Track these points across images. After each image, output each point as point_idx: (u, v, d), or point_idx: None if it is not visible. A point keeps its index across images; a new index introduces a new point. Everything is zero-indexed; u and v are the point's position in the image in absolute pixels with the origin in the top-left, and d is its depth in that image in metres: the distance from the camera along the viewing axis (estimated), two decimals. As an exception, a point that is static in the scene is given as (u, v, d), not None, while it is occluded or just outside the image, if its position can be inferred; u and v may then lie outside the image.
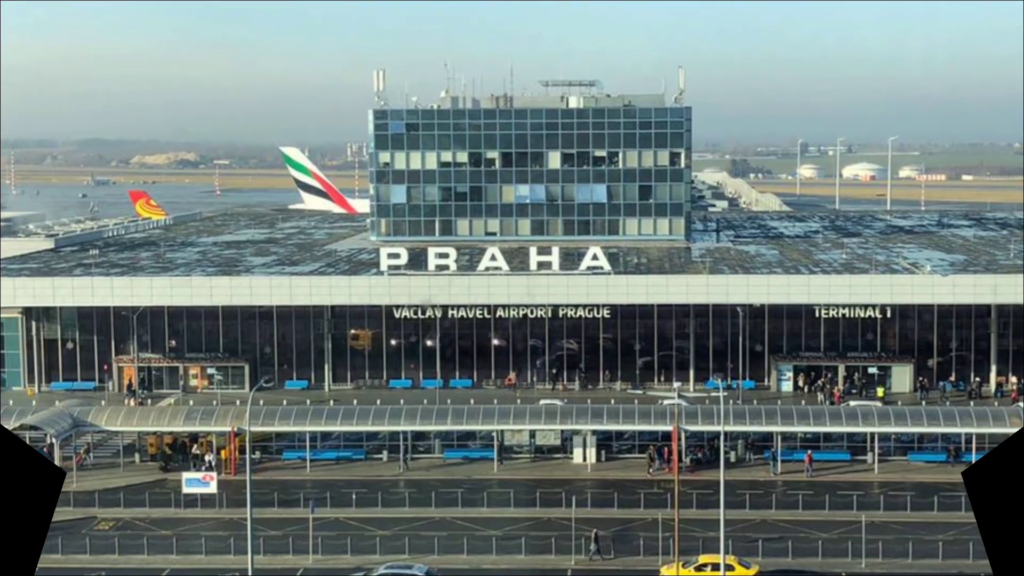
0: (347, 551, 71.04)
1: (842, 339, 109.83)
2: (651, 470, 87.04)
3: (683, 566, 66.99)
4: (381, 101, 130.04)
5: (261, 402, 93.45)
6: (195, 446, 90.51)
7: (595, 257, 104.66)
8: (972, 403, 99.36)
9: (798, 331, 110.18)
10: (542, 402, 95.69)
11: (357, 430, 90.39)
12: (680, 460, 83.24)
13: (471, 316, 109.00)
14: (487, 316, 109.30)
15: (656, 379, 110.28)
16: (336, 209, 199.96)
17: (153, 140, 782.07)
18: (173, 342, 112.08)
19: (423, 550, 71.18)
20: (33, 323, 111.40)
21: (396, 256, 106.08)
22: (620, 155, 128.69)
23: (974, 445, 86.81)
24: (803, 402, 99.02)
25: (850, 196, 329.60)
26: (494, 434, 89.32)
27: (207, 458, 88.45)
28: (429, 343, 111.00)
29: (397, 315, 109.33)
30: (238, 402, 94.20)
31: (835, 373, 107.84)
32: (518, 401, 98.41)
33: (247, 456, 72.12)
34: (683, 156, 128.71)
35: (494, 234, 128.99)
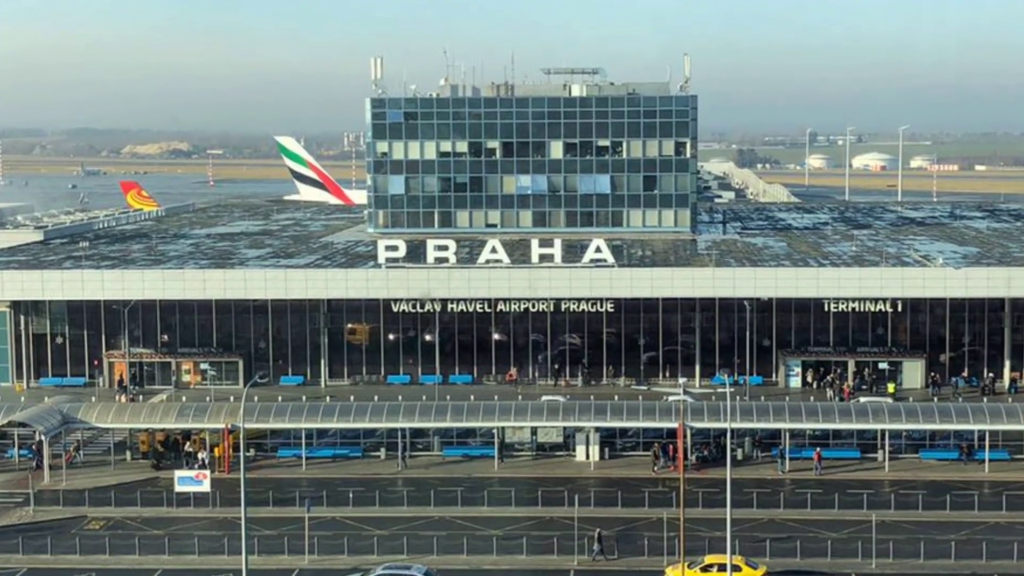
0: (344, 551, 70.11)
1: (852, 334, 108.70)
2: (656, 468, 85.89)
3: (688, 566, 65.84)
4: (379, 89, 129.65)
5: (255, 398, 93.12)
6: (188, 443, 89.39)
7: (598, 249, 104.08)
8: (985, 399, 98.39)
9: (807, 325, 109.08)
10: (544, 398, 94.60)
11: (354, 427, 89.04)
12: (685, 458, 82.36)
13: (471, 310, 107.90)
14: (487, 310, 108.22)
15: (661, 375, 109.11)
16: (333, 200, 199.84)
17: (145, 129, 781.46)
18: (165, 337, 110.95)
19: (422, 550, 70.25)
20: (21, 317, 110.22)
21: (394, 248, 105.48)
22: (624, 145, 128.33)
23: (987, 442, 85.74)
24: (812, 398, 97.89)
25: (860, 187, 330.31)
26: (495, 431, 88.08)
27: (200, 456, 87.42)
28: (428, 338, 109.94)
29: (395, 309, 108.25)
30: (232, 398, 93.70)
31: (845, 369, 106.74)
32: (519, 397, 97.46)
33: (241, 454, 71.37)
34: (688, 146, 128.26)
35: (495, 226, 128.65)
